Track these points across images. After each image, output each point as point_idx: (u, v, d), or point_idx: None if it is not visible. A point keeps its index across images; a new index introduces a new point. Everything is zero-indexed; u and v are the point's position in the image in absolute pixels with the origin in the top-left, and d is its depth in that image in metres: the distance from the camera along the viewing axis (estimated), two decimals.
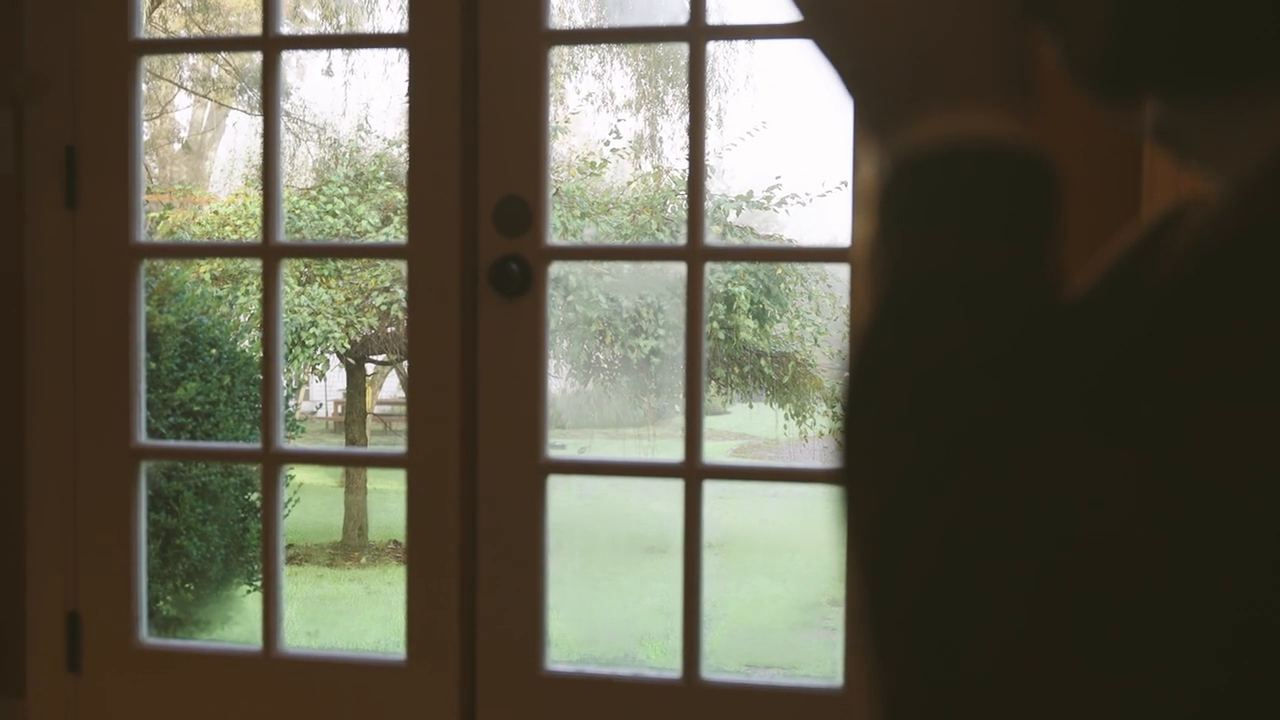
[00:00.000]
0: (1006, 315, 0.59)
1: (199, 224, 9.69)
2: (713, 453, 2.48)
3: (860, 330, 0.65)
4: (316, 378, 10.35)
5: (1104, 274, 0.79)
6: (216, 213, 9.78)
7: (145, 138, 2.70)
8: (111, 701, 2.67)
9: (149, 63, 2.68)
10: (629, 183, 10.04)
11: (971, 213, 0.63)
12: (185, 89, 11.77)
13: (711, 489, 2.52)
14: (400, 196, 9.13)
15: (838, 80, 0.69)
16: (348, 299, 9.17)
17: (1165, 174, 2.04)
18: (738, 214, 9.60)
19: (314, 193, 9.45)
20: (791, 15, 0.71)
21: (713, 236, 8.34)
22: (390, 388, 12.74)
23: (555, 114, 2.43)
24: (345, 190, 9.32)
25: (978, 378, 0.57)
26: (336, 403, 12.47)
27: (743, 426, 13.53)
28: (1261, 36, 0.69)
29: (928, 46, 0.66)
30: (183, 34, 10.88)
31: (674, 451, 2.62)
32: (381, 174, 9.49)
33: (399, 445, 2.56)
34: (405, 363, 2.21)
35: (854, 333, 0.62)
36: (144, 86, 2.69)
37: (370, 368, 10.52)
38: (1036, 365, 0.57)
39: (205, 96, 11.90)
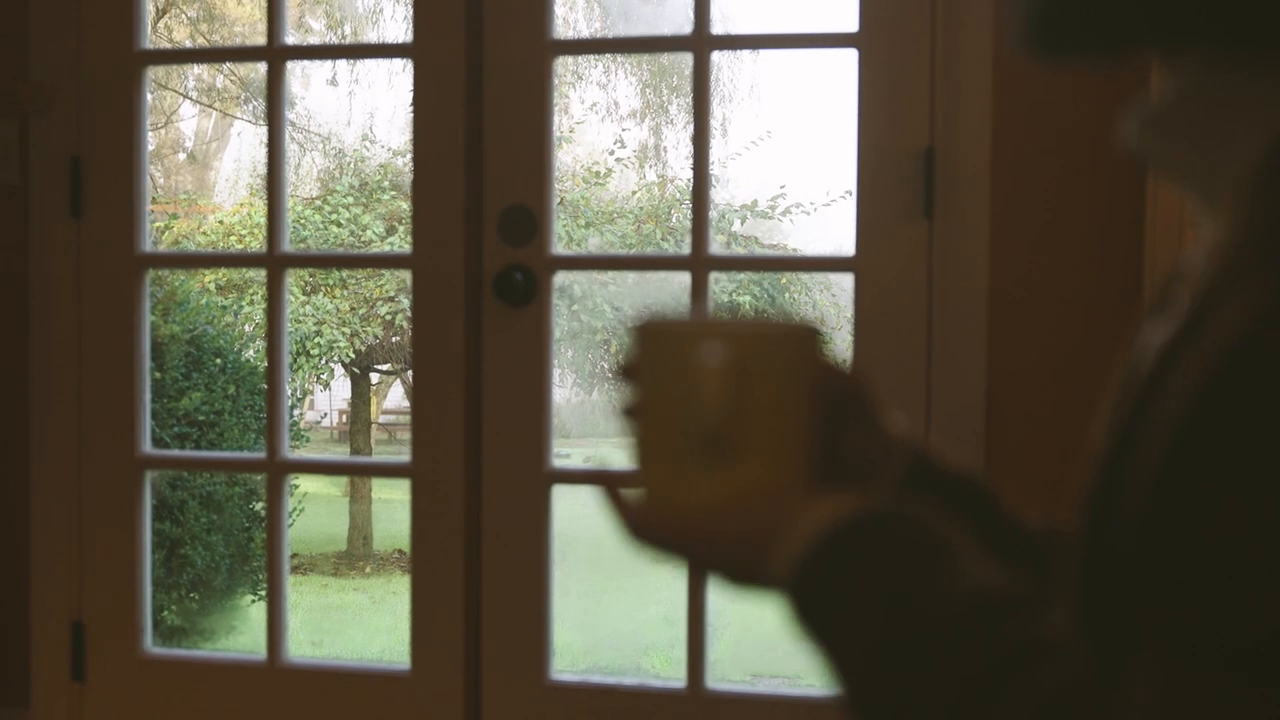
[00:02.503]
0: None
1: (204, 234, 9.69)
2: None
3: None
4: (321, 387, 10.35)
5: (1134, 348, 0.81)
6: (221, 222, 9.79)
7: (150, 148, 2.71)
8: (116, 711, 2.67)
9: (154, 73, 2.69)
10: (633, 192, 10.04)
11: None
12: (190, 99, 11.79)
13: None
14: (405, 206, 9.13)
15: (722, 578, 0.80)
16: (352, 308, 9.17)
17: (1167, 193, 2.04)
18: (742, 223, 9.60)
19: (319, 202, 9.46)
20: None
21: (717, 246, 8.34)
22: (395, 397, 12.73)
23: (560, 124, 2.44)
24: (350, 200, 9.33)
25: None
26: (341, 412, 12.46)
27: None
28: None
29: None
30: (188, 44, 10.90)
31: None
32: (386, 184, 9.50)
33: (403, 455, 2.56)
34: (410, 372, 2.21)
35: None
36: (149, 97, 2.69)
37: (375, 377, 10.52)
38: None
39: (210, 106, 11.92)
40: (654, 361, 0.82)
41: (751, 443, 0.79)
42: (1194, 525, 0.59)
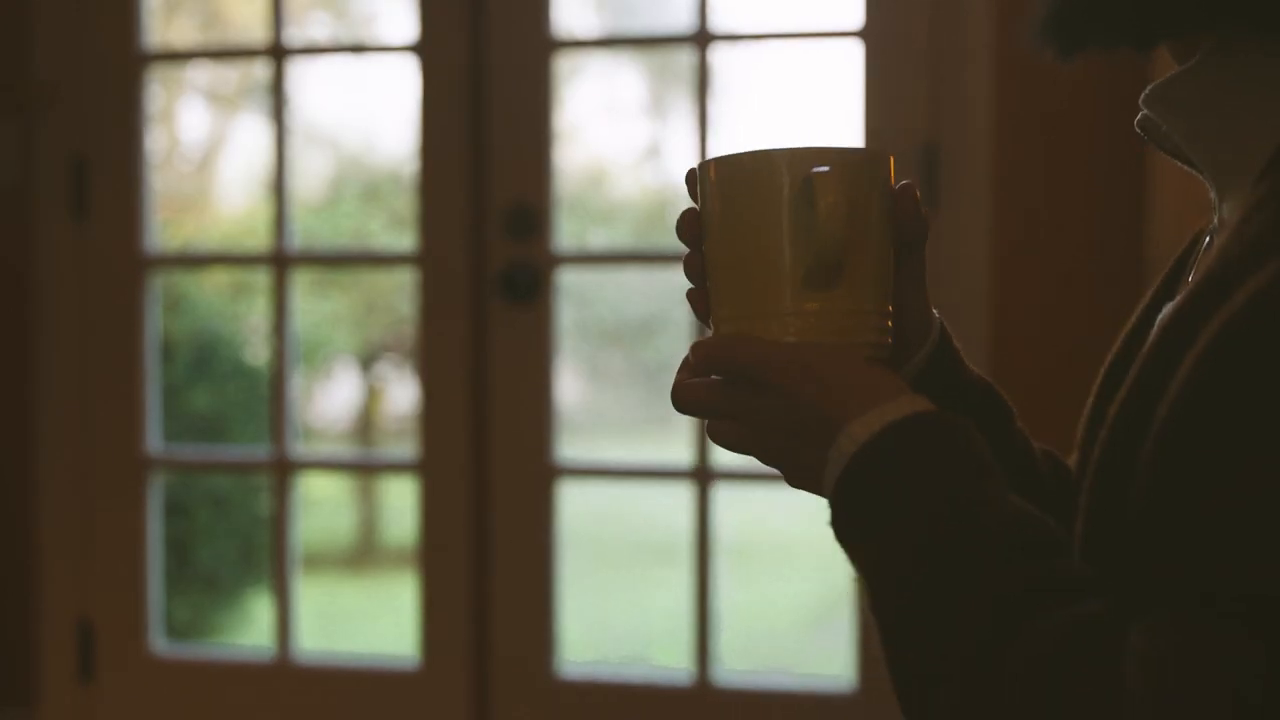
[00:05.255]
0: None
1: (209, 234, 9.70)
2: (722, 456, 2.48)
3: None
4: (327, 386, 10.35)
5: (1142, 312, 0.82)
6: (226, 223, 9.80)
7: (154, 148, 2.72)
8: (125, 710, 2.68)
9: (157, 73, 2.70)
10: (636, 189, 10.04)
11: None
12: (194, 99, 11.80)
13: (721, 492, 2.52)
14: (410, 204, 9.14)
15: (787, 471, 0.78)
16: (358, 307, 9.18)
17: (1168, 177, 2.04)
18: None
19: (324, 202, 9.47)
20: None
21: None
22: (401, 395, 12.75)
23: (562, 121, 2.44)
24: (355, 198, 9.33)
25: None
26: (348, 410, 12.48)
27: None
28: None
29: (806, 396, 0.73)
30: (191, 44, 10.90)
31: (684, 456, 2.62)
32: (391, 182, 9.51)
33: (410, 452, 2.57)
34: (416, 369, 2.21)
35: None
36: (152, 96, 2.70)
37: (381, 375, 10.53)
38: None
39: (215, 106, 11.93)
40: (750, 189, 0.77)
41: (855, 265, 0.75)
42: (1204, 481, 0.60)
